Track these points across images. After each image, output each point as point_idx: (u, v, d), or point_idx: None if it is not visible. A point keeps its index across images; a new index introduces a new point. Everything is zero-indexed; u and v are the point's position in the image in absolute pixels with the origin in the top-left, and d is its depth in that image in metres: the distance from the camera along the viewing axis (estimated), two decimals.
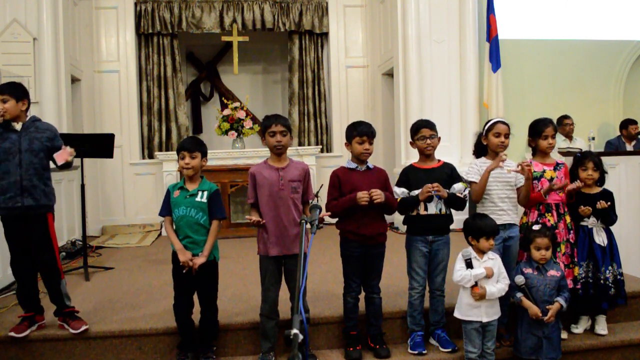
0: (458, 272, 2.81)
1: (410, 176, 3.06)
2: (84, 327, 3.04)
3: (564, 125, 6.29)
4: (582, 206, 3.13)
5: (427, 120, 3.10)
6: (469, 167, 3.18)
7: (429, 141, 3.02)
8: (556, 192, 3.12)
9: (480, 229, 2.82)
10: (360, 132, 2.93)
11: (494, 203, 3.06)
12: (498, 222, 2.95)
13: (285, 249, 2.86)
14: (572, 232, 3.17)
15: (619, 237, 3.32)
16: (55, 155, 3.05)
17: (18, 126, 3.04)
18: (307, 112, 7.51)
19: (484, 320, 2.80)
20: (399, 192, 3.03)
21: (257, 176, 2.90)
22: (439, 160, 3.11)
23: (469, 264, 2.79)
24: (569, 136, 6.36)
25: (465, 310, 2.83)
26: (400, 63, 6.10)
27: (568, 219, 3.17)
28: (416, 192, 2.98)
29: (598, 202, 3.13)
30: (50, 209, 3.14)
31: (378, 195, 2.83)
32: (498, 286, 2.80)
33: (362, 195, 2.81)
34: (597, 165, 3.23)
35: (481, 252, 2.84)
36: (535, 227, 2.95)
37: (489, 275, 2.78)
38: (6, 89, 3.02)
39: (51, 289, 3.13)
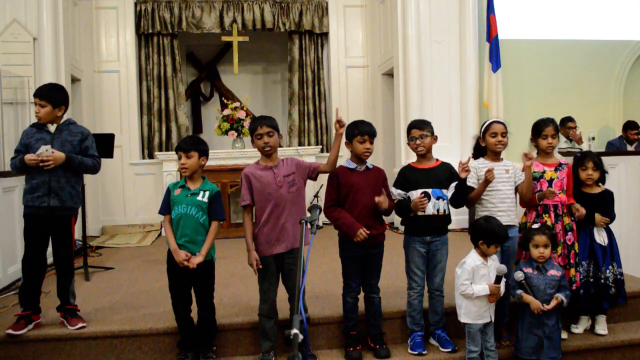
0: (465, 287, 2.82)
1: (408, 176, 3.05)
2: (80, 325, 3.07)
3: (566, 127, 6.17)
4: (575, 205, 3.13)
5: (418, 120, 3.11)
6: None
7: (418, 142, 3.02)
8: (556, 194, 3.12)
9: (497, 235, 2.82)
10: (362, 131, 2.92)
11: (493, 204, 3.05)
12: None
13: (285, 246, 2.86)
14: (569, 233, 3.15)
15: (619, 237, 3.32)
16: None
17: (52, 127, 3.12)
18: (307, 112, 7.50)
19: (493, 318, 2.85)
20: (396, 193, 3.03)
21: (252, 177, 2.90)
22: (436, 160, 3.10)
23: (499, 279, 2.80)
24: (569, 139, 6.25)
25: (476, 316, 2.83)
26: (400, 63, 6.10)
27: (567, 220, 3.15)
28: (413, 192, 2.98)
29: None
30: (74, 212, 3.20)
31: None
32: (503, 284, 2.85)
33: (360, 235, 2.81)
34: (596, 165, 3.23)
35: (485, 255, 2.86)
36: (535, 226, 2.96)
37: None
38: (45, 95, 3.07)
39: (62, 284, 3.17)
